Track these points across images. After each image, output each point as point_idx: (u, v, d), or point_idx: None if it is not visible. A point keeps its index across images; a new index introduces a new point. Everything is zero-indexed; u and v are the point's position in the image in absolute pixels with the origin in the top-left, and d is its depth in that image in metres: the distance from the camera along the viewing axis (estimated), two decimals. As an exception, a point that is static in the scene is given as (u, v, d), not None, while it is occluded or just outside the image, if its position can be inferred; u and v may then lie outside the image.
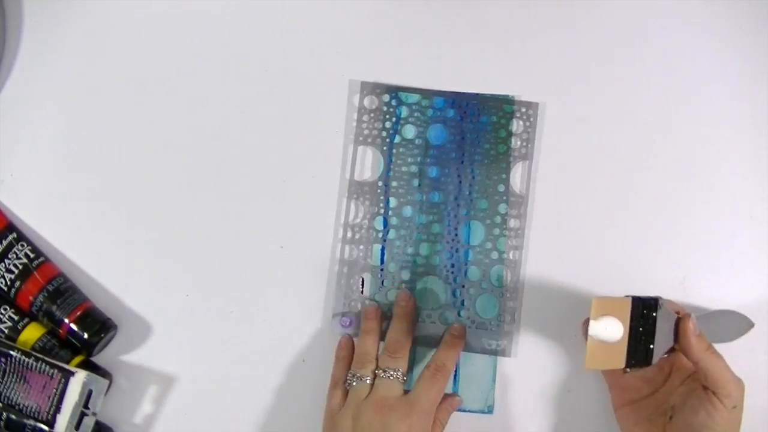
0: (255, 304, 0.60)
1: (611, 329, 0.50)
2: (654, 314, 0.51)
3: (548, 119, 0.61)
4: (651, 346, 0.50)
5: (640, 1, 0.62)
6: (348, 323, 0.60)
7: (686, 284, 0.60)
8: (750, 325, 0.57)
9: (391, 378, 0.54)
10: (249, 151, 0.62)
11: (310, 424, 0.59)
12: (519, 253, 0.60)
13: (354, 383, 0.55)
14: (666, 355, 0.53)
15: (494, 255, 0.60)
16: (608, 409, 0.58)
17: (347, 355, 0.58)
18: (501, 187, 0.61)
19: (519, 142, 0.61)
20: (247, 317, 0.60)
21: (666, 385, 0.55)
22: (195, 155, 0.62)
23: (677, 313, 0.53)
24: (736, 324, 0.57)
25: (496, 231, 0.60)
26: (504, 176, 0.61)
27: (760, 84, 0.62)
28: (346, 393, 0.55)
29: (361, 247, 0.60)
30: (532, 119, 0.61)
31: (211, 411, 0.60)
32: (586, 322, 0.57)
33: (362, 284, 0.60)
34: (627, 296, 0.51)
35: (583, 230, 0.61)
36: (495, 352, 0.59)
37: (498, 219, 0.60)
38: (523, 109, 0.61)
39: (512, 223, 0.60)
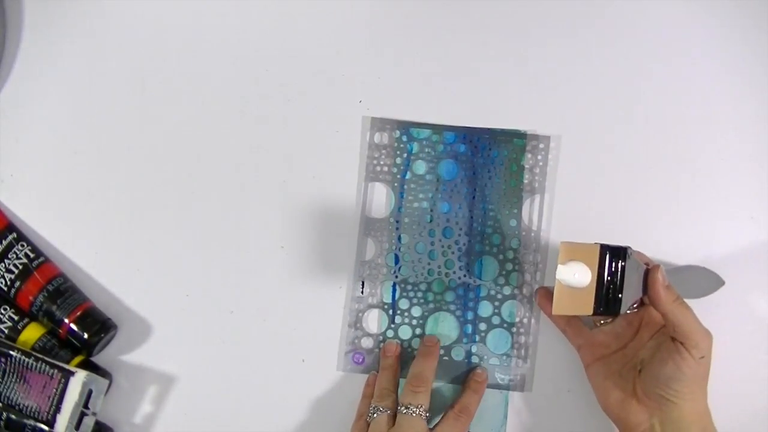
0: (255, 304, 0.60)
1: (579, 275, 0.50)
2: (623, 263, 0.50)
3: (563, 152, 0.61)
4: (619, 296, 0.50)
5: (651, 31, 0.62)
6: (360, 359, 0.60)
7: (686, 284, 0.60)
8: (720, 282, 0.57)
9: (414, 414, 0.54)
10: (250, 150, 0.62)
11: (310, 423, 0.59)
12: (532, 287, 0.60)
13: (375, 415, 0.55)
14: (635, 308, 0.53)
15: (507, 290, 0.60)
16: (599, 426, 0.59)
17: (372, 392, 0.58)
18: (513, 222, 0.60)
19: (531, 176, 0.60)
20: (247, 317, 0.60)
21: (635, 339, 0.56)
22: (195, 155, 0.62)
23: (646, 264, 0.53)
24: (706, 281, 0.57)
25: (509, 266, 0.60)
26: (516, 211, 0.60)
27: (761, 84, 0.62)
28: (367, 426, 0.55)
29: (374, 283, 0.60)
30: (544, 153, 0.61)
31: (211, 411, 0.60)
32: (539, 291, 0.58)
33: (362, 287, 0.60)
34: (595, 243, 0.51)
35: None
36: (507, 387, 0.59)
37: (510, 254, 0.60)
38: (535, 143, 0.61)
39: (525, 257, 0.60)
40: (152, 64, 0.62)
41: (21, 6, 0.63)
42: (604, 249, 0.51)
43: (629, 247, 0.51)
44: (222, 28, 0.63)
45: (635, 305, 0.53)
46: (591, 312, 0.50)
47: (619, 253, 0.50)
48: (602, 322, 0.57)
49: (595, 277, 0.50)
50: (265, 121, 0.62)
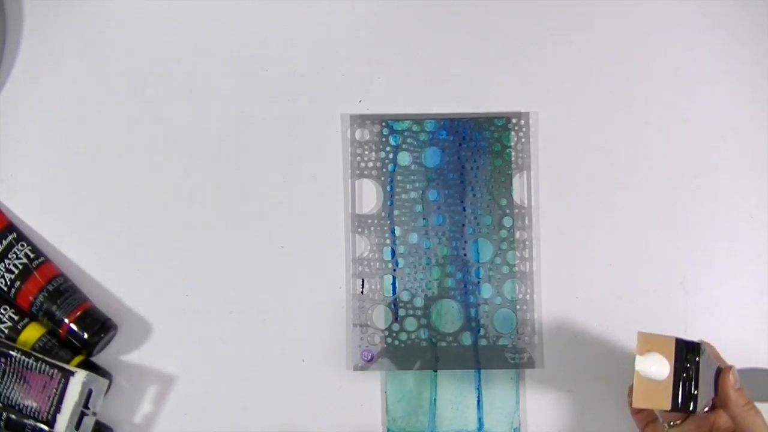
0: (255, 304, 0.60)
1: (657, 366, 0.49)
2: (697, 359, 0.50)
3: (544, 127, 0.61)
4: (695, 392, 0.49)
5: (637, 5, 0.62)
6: (369, 357, 0.60)
7: (686, 284, 0.60)
8: None
9: None
10: (249, 151, 0.62)
11: (310, 423, 0.59)
12: (529, 264, 0.60)
13: None
14: (706, 411, 0.51)
15: (505, 269, 0.60)
16: (608, 410, 0.59)
17: None
18: (503, 201, 0.61)
19: (515, 154, 0.61)
20: (247, 317, 0.60)
21: None
22: (195, 155, 0.62)
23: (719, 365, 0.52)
24: None
25: (504, 245, 0.60)
26: (504, 189, 0.61)
27: (760, 84, 0.62)
28: None
29: (373, 280, 0.60)
30: (525, 129, 0.61)
31: (211, 411, 0.60)
32: (630, 394, 0.55)
33: (362, 284, 0.60)
34: (671, 336, 0.50)
35: (587, 233, 0.61)
36: (517, 366, 0.59)
37: (504, 233, 0.60)
38: (515, 120, 0.61)
39: (519, 234, 0.60)
40: (152, 64, 0.62)
41: (21, 6, 0.63)
42: (680, 343, 0.50)
43: (702, 342, 0.51)
44: (222, 28, 0.63)
45: (707, 408, 0.51)
46: (669, 407, 0.49)
47: (694, 348, 0.50)
48: (671, 423, 0.54)
49: (672, 372, 0.50)
50: (265, 121, 0.62)
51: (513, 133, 0.61)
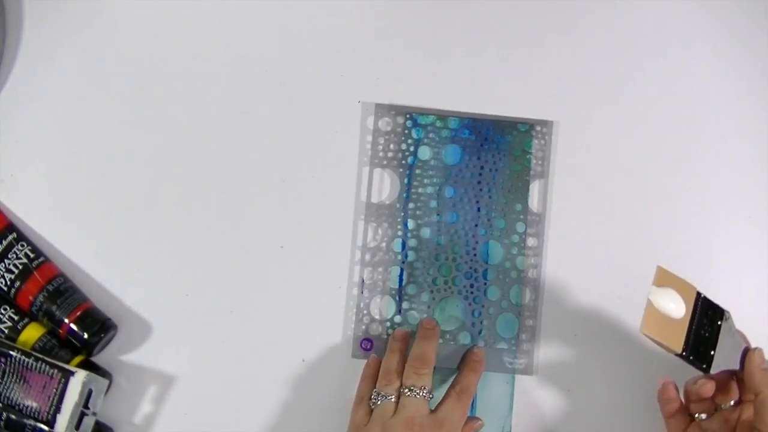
0: (255, 304, 0.60)
1: (672, 303, 0.50)
2: (719, 323, 0.50)
3: (564, 137, 0.61)
4: (712, 353, 0.49)
5: (651, 17, 0.63)
6: (369, 346, 0.60)
7: (686, 284, 0.60)
8: None
9: (418, 396, 0.54)
10: (249, 150, 0.62)
11: (309, 423, 0.59)
12: (537, 271, 0.60)
13: (379, 402, 0.54)
14: (731, 405, 0.51)
15: (513, 274, 0.60)
16: (608, 409, 0.59)
17: (374, 373, 0.57)
18: (518, 206, 0.61)
19: (535, 161, 0.61)
20: (247, 317, 0.60)
21: None
22: (195, 155, 0.62)
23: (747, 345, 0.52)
24: None
25: (514, 250, 0.60)
26: (520, 195, 0.61)
27: (760, 84, 0.62)
28: (370, 410, 0.55)
29: (380, 269, 0.60)
30: (547, 137, 0.61)
31: (211, 411, 0.60)
32: (662, 388, 0.55)
33: (362, 285, 0.60)
34: (694, 287, 0.51)
35: (597, 243, 0.61)
36: (514, 371, 0.59)
37: (516, 238, 0.60)
38: (538, 128, 0.61)
39: (530, 241, 0.60)
40: (152, 64, 0.62)
41: (21, 6, 0.63)
42: (702, 296, 0.51)
43: (727, 311, 0.51)
44: (222, 28, 0.63)
45: (721, 370, 0.51)
46: (680, 350, 0.49)
47: (717, 311, 0.51)
48: (697, 415, 0.54)
49: (689, 318, 0.50)
50: (265, 121, 0.62)
51: (535, 140, 0.61)
